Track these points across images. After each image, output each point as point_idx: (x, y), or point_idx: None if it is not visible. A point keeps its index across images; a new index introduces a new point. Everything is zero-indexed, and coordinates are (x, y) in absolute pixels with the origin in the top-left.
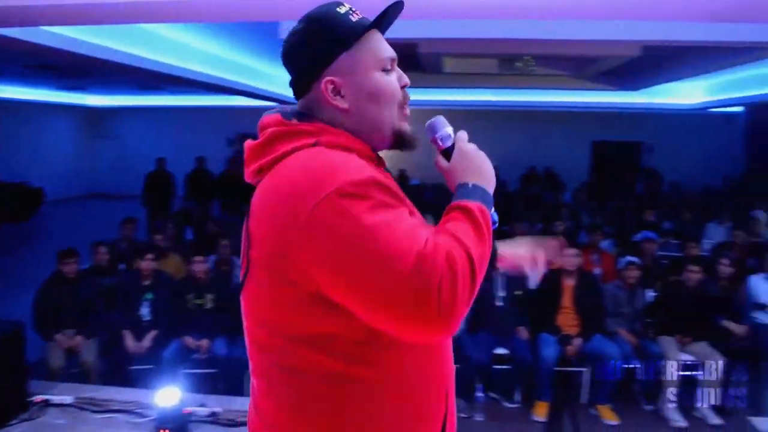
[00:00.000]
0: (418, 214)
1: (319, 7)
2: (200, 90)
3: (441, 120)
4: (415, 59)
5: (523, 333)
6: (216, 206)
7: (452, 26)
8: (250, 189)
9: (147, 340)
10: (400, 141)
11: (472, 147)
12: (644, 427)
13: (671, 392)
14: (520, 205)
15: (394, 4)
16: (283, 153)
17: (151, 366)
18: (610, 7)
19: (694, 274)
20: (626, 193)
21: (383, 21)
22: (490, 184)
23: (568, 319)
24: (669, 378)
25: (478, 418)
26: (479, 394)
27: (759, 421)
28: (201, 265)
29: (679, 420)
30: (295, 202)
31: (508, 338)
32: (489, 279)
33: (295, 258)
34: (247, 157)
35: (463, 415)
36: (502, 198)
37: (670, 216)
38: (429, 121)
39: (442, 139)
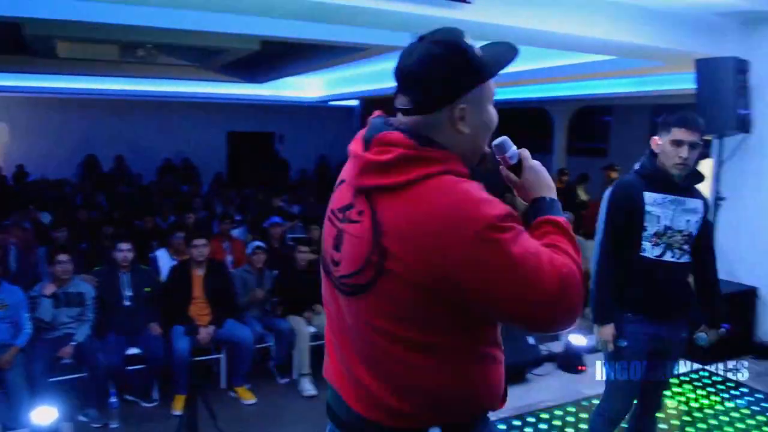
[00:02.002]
0: None
1: (451, 33)
2: None
3: (508, 140)
4: (21, 41)
5: (155, 329)
6: None
7: (65, 7)
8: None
9: None
10: (482, 161)
11: (537, 163)
12: (280, 400)
13: (305, 364)
14: (156, 198)
15: (513, 52)
16: (417, 177)
17: None
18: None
19: (302, 254)
20: (261, 181)
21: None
22: (555, 195)
23: (200, 309)
24: (302, 350)
25: (113, 425)
26: (113, 400)
27: None
28: None
29: (310, 389)
30: (453, 232)
31: (139, 337)
32: (116, 278)
33: (451, 280)
34: (362, 165)
35: (95, 425)
36: (138, 192)
37: (299, 201)
38: (497, 141)
39: (511, 157)
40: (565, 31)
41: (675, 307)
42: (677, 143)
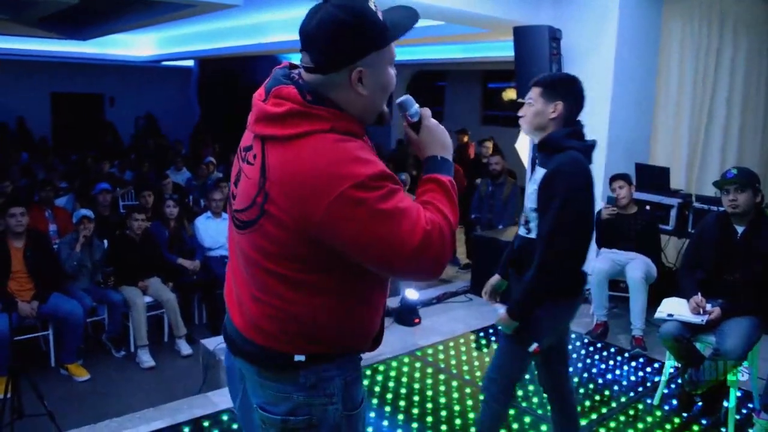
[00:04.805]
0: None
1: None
2: None
3: (411, 98)
4: None
5: None
6: None
7: None
8: None
9: None
10: (379, 119)
11: (435, 122)
12: (117, 374)
13: (142, 335)
14: None
15: (415, 17)
16: (303, 132)
17: None
18: None
19: (138, 222)
20: (90, 146)
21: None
22: (450, 154)
23: (20, 284)
24: (137, 321)
25: None
26: None
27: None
28: None
29: (149, 361)
30: (322, 187)
31: None
32: None
33: (317, 229)
34: (258, 113)
35: None
36: None
37: (132, 166)
38: (400, 99)
39: (411, 116)
40: None
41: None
42: None
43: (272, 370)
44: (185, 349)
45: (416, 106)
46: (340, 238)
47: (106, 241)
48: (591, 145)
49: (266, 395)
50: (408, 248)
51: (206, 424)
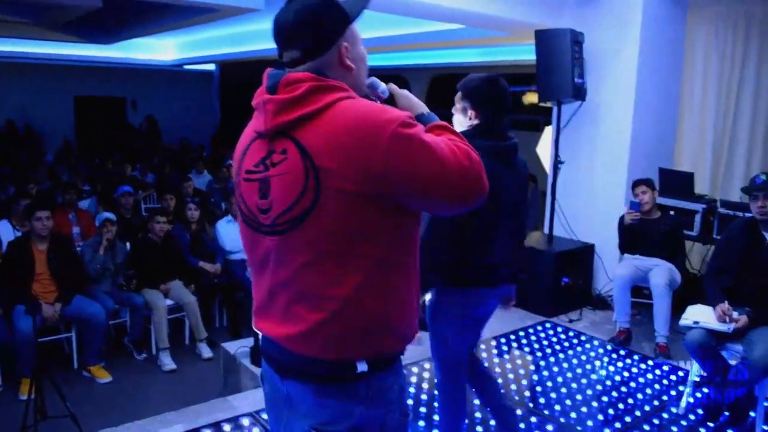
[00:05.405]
0: None
1: None
2: None
3: (376, 79)
4: None
5: None
6: None
7: None
8: None
9: None
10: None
11: (405, 91)
12: (138, 377)
13: (163, 338)
14: None
15: None
16: (329, 102)
17: None
18: None
19: (160, 225)
20: (112, 149)
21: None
22: (427, 109)
23: (44, 286)
24: (159, 324)
25: None
26: None
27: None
28: None
29: (170, 363)
30: (374, 135)
31: None
32: None
33: (382, 176)
34: (277, 106)
35: None
36: None
37: (154, 169)
38: (368, 81)
39: (383, 92)
40: None
41: None
42: None
43: (333, 385)
44: (206, 352)
45: (383, 84)
46: (405, 179)
47: (128, 244)
48: (502, 147)
49: (324, 415)
50: (461, 169)
51: (227, 428)
